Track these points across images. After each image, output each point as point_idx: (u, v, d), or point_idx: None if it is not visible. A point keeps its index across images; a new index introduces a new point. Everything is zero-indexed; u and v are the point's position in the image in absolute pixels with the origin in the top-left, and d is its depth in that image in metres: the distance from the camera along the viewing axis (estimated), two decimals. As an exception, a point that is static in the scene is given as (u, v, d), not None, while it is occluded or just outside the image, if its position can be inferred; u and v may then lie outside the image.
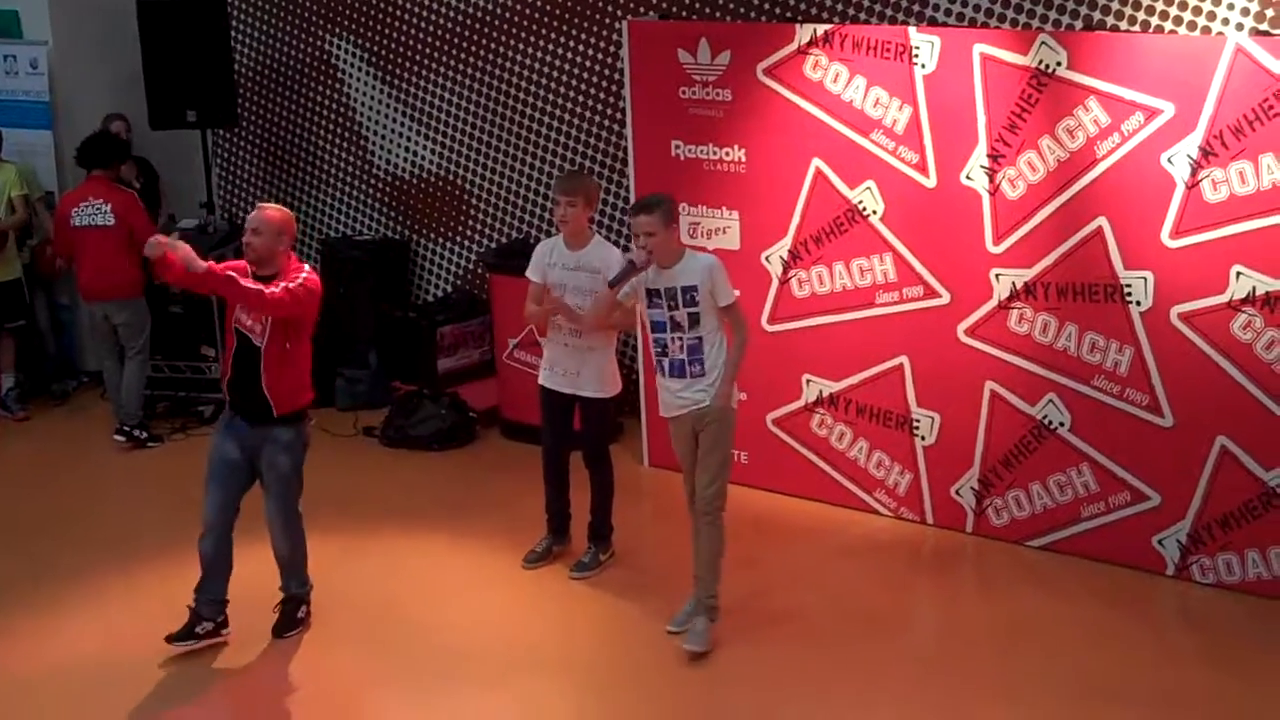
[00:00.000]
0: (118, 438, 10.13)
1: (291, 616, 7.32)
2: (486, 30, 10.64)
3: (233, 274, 6.79)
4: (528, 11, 10.40)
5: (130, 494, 9.39)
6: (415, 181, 11.36)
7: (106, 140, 10.20)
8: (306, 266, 7.08)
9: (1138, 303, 7.43)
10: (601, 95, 10.18)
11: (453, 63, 10.90)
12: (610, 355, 7.70)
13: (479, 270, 10.98)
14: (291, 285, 6.86)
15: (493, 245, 10.85)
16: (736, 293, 6.98)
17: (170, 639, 7.08)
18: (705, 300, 6.86)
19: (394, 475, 9.54)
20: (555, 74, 10.38)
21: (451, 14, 10.79)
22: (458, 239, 11.24)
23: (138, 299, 10.03)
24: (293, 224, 7.10)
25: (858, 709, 6.50)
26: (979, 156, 7.76)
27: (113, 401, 10.31)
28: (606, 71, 10.09)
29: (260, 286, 6.78)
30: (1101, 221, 7.47)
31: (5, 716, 6.64)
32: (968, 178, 7.82)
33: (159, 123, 10.91)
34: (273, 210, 7.05)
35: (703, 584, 7.07)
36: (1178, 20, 7.89)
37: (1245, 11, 7.74)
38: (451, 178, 11.15)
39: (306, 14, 11.56)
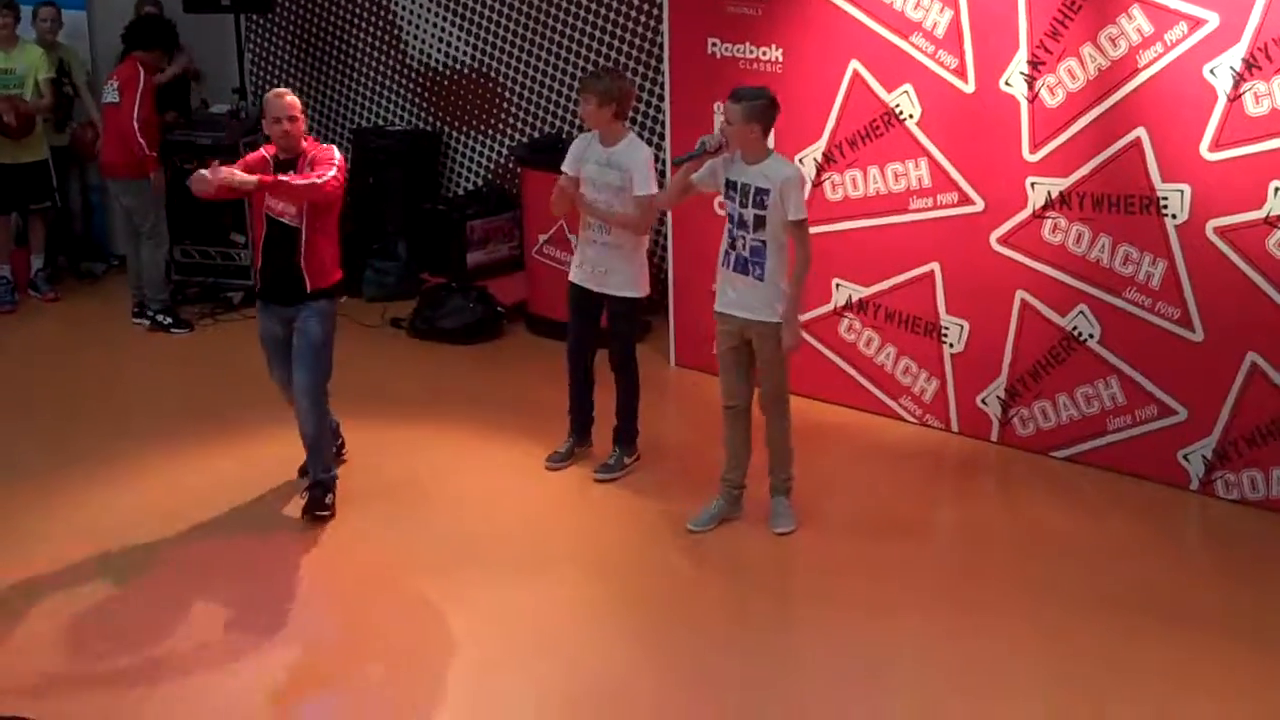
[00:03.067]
0: (136, 321, 10.17)
1: (320, 500, 7.38)
2: (524, -79, 10.55)
3: (282, 177, 6.97)
4: (567, -97, 10.30)
5: (152, 376, 9.45)
6: (448, 73, 11.30)
7: (142, 23, 10.17)
8: (326, 145, 7.23)
9: (1173, 215, 7.37)
10: (639, -10, 10.09)
11: (489, -47, 10.82)
12: (641, 256, 7.66)
13: (510, 164, 10.95)
14: (336, 169, 7.06)
15: (524, 140, 10.81)
16: (806, 213, 6.89)
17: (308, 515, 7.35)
18: (773, 207, 6.80)
19: (420, 367, 9.56)
20: (592, -32, 10.29)
21: (489, -96, 10.69)
22: (490, 132, 11.19)
23: (142, 179, 9.98)
24: None
25: (876, 613, 6.52)
26: (1019, 63, 7.67)
27: (130, 284, 10.34)
28: (644, -34, 9.99)
29: (313, 179, 6.97)
30: (1140, 132, 7.38)
31: (33, 585, 6.71)
32: (1007, 84, 7.74)
33: (193, 6, 10.88)
34: (291, 95, 7.17)
35: (777, 470, 7.22)
36: (1227, -71, 7.77)
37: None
38: (485, 70, 11.08)
39: (343, -100, 11.47)
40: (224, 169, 6.91)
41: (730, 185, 6.94)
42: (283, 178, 6.99)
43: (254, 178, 6.93)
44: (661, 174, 8.28)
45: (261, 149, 7.31)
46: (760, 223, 6.85)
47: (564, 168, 7.70)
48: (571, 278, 7.81)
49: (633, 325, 7.87)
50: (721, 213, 8.48)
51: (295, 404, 7.35)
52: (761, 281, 6.90)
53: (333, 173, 7.03)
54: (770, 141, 7.01)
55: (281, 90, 7.24)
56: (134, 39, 9.98)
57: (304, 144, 7.18)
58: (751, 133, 6.82)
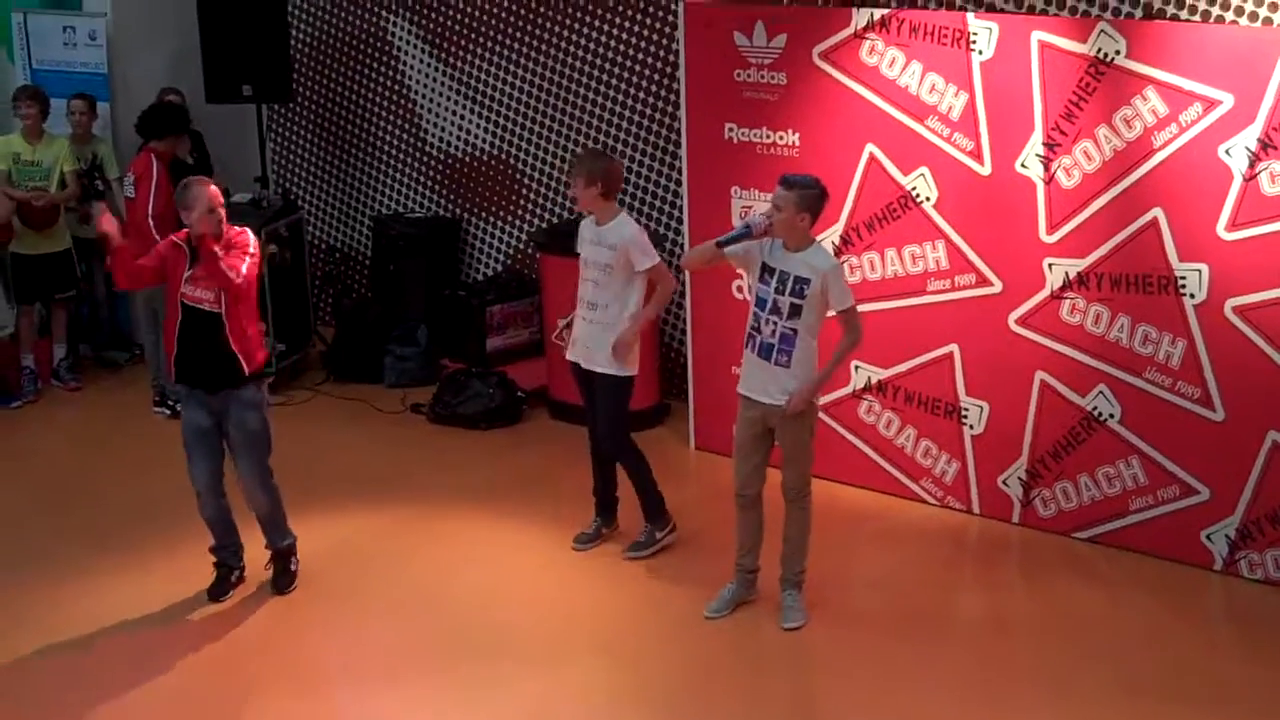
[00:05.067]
0: (157, 410, 10.21)
1: (286, 569, 7.56)
2: (542, 9, 10.63)
3: (218, 254, 7.02)
4: (584, -9, 10.41)
5: (174, 465, 9.41)
6: (468, 160, 11.37)
7: (154, 111, 10.21)
8: (240, 229, 7.29)
9: (1192, 295, 7.37)
10: (656, 77, 10.15)
11: (508, 41, 10.91)
12: (630, 332, 7.65)
13: (529, 250, 10.99)
14: (252, 259, 7.17)
15: (543, 225, 10.85)
16: (853, 299, 6.90)
17: (213, 596, 7.42)
18: (813, 298, 6.77)
19: (441, 453, 9.55)
20: (610, 54, 10.37)
21: (508, -7, 10.80)
22: (509, 218, 11.25)
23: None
24: None
25: (899, 699, 6.48)
26: (1034, 145, 7.70)
27: (150, 373, 10.38)
28: (661, 53, 10.06)
29: (228, 270, 7.02)
30: (1157, 212, 7.40)
31: (52, 676, 6.72)
32: (1023, 166, 7.77)
33: (215, 97, 10.96)
34: (213, 184, 7.20)
35: (791, 562, 7.15)
36: (1239, 10, 7.79)
37: (1308, 3, 7.66)
38: (504, 157, 11.16)
39: (363, -9, 11.60)
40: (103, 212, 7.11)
41: (767, 270, 6.89)
42: (218, 254, 7.00)
43: (112, 228, 7.07)
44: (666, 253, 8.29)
45: (172, 236, 7.32)
46: (796, 311, 6.81)
47: (578, 248, 7.84)
48: (567, 355, 7.89)
49: (619, 402, 7.77)
50: (740, 296, 8.53)
51: (244, 488, 7.39)
52: (787, 369, 6.86)
53: (244, 267, 7.09)
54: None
55: (201, 178, 7.26)
56: (146, 128, 10.04)
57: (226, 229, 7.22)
58: (801, 221, 6.79)
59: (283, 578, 7.56)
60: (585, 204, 7.62)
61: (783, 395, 6.87)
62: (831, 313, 6.86)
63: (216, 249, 7.01)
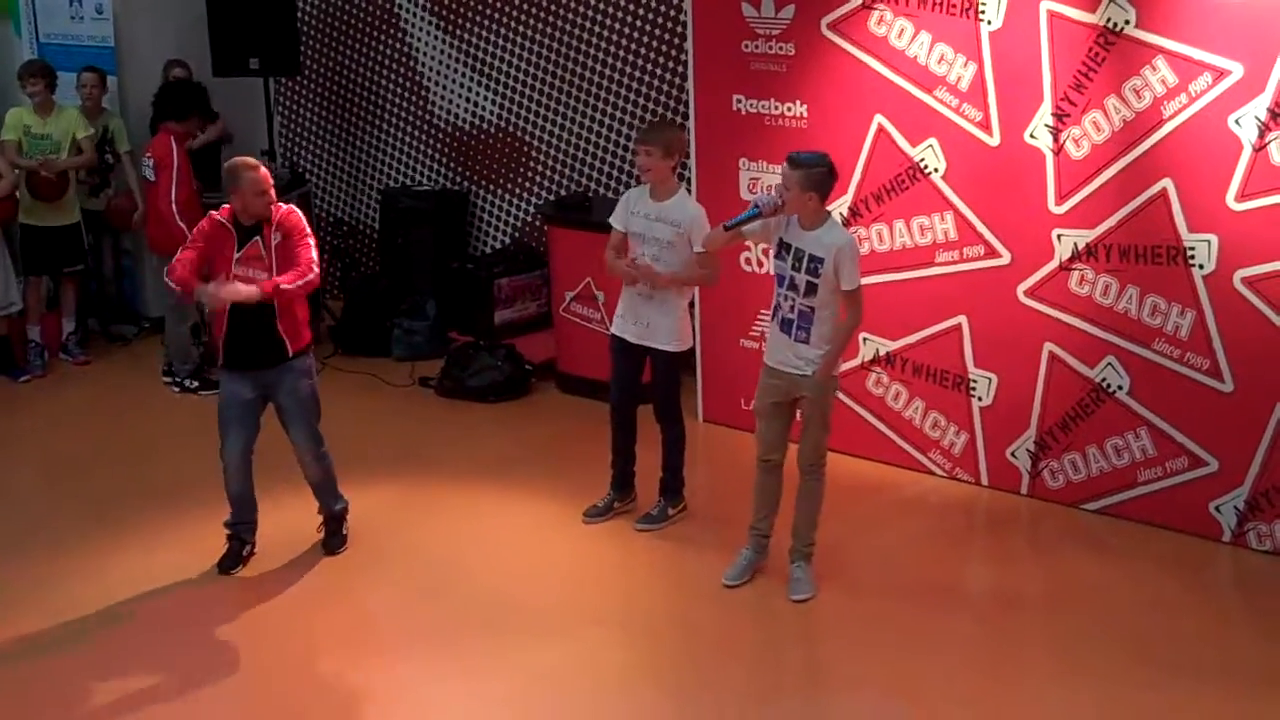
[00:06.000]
0: (165, 379, 10.23)
1: (339, 532, 7.65)
2: (549, -19, 10.63)
3: (283, 285, 7.03)
4: (591, -37, 10.38)
5: (182, 439, 9.47)
6: (475, 132, 11.36)
7: (173, 89, 10.20)
8: (287, 207, 7.26)
9: (1201, 266, 7.35)
10: (663, 48, 10.13)
11: (515, 13, 10.89)
12: (684, 308, 7.65)
13: (537, 222, 10.99)
14: (315, 249, 7.21)
15: (552, 198, 10.84)
16: (860, 281, 6.89)
17: (223, 569, 7.44)
18: (826, 275, 6.77)
19: (449, 426, 9.56)
20: (617, 26, 10.35)
21: (515, -35, 10.78)
22: (517, 191, 11.24)
23: (167, 257, 9.99)
24: None
25: (910, 670, 6.48)
26: (1043, 115, 7.68)
27: (166, 346, 10.39)
28: (669, 24, 10.04)
29: (307, 277, 7.10)
30: (1166, 183, 7.38)
31: (59, 653, 6.73)
32: (1031, 136, 7.75)
33: (222, 69, 10.95)
34: (263, 168, 7.19)
35: (801, 534, 7.15)
36: (1249, -20, 7.77)
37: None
38: (512, 129, 11.14)
39: (370, -37, 11.57)
40: (227, 286, 7.02)
41: (783, 246, 6.90)
42: (283, 285, 7.02)
43: (255, 289, 6.98)
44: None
45: (213, 214, 7.22)
46: (811, 289, 6.82)
47: (613, 221, 7.72)
48: (614, 330, 7.80)
49: (675, 377, 7.81)
50: (748, 269, 8.53)
51: (299, 455, 7.44)
52: (807, 344, 6.89)
53: (314, 254, 7.17)
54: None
55: (250, 161, 7.22)
56: (165, 107, 10.00)
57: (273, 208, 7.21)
58: (810, 200, 6.78)
59: (334, 538, 7.64)
60: (658, 176, 7.47)
61: (809, 365, 6.89)
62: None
63: (283, 283, 7.03)
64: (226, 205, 7.17)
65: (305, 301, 7.34)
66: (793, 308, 6.89)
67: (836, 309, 6.86)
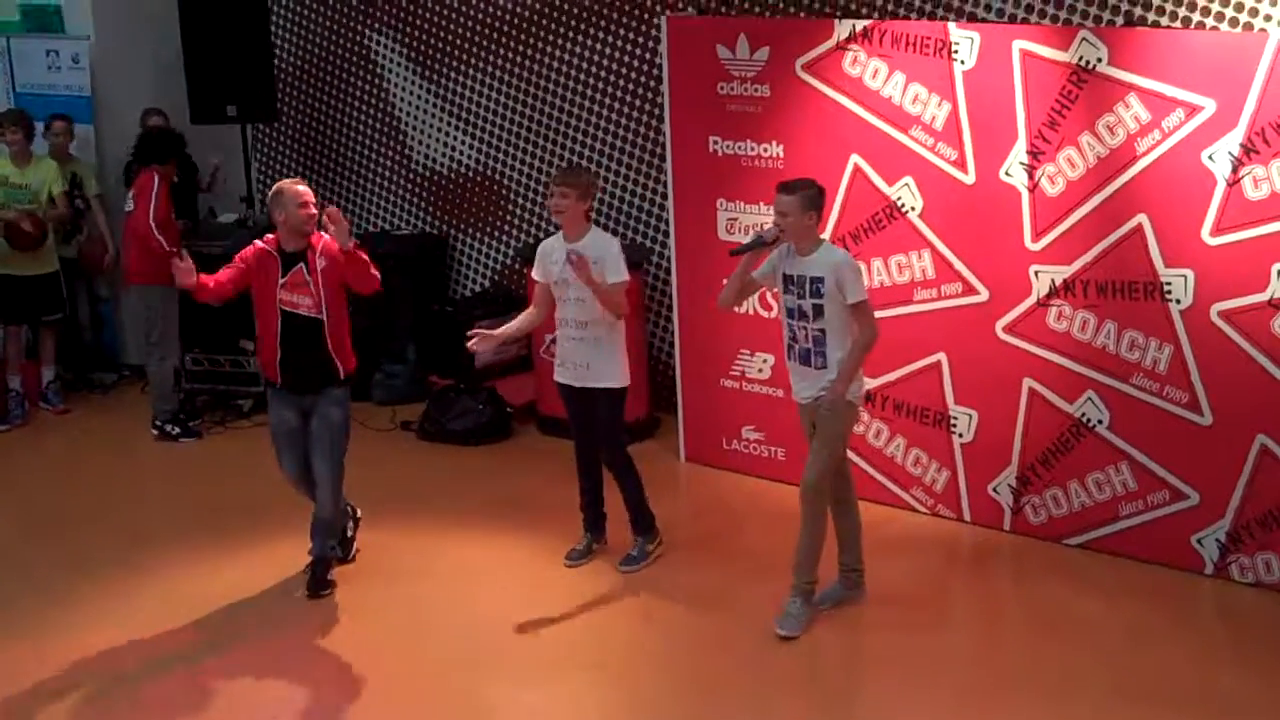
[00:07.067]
0: (151, 430, 10.21)
1: (323, 579, 7.62)
2: (525, 26, 10.66)
3: (360, 257, 7.28)
4: (567, 7, 10.41)
5: (162, 488, 9.46)
6: (454, 177, 11.39)
7: (152, 138, 10.25)
8: (328, 236, 7.39)
9: (1177, 300, 7.39)
10: (640, 91, 10.18)
11: (492, 58, 10.93)
12: (619, 346, 7.68)
13: (516, 265, 11.00)
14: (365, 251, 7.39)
15: (531, 240, 10.86)
16: (866, 294, 6.94)
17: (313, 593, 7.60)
18: (830, 294, 6.85)
19: (431, 470, 9.56)
20: (594, 70, 10.39)
21: (491, 9, 10.81)
22: (496, 234, 11.26)
23: (145, 286, 10.06)
24: None
25: (896, 708, 6.48)
26: (1018, 153, 7.73)
27: (153, 398, 10.38)
28: (645, 67, 10.09)
29: (375, 274, 7.39)
30: (1141, 219, 7.43)
31: (37, 707, 6.68)
32: (1007, 174, 7.80)
33: (199, 117, 10.97)
34: (301, 182, 7.44)
35: (799, 569, 7.14)
36: (1219, 16, 7.83)
37: (1288, 8, 7.69)
38: (490, 173, 11.17)
39: (346, 9, 11.60)
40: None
41: (788, 280, 7.00)
42: (361, 254, 7.28)
43: (346, 228, 7.18)
44: (630, 266, 8.26)
45: (256, 243, 7.46)
46: (819, 312, 6.89)
47: (533, 274, 7.83)
48: (556, 378, 7.84)
49: (617, 414, 7.81)
50: (744, 311, 8.58)
51: (316, 489, 7.48)
52: (825, 369, 6.95)
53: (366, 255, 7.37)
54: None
55: (292, 180, 7.44)
56: (147, 154, 10.08)
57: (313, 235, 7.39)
58: (809, 220, 6.90)
59: (320, 585, 7.62)
60: (572, 217, 7.55)
61: (822, 388, 6.96)
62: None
63: (362, 254, 7.26)
64: (271, 236, 7.41)
65: (348, 327, 7.51)
66: (807, 336, 6.97)
67: (847, 327, 6.91)
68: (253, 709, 6.66)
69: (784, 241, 6.96)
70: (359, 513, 8.11)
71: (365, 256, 7.30)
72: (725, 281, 7.28)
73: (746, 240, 7.09)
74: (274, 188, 7.44)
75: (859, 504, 7.39)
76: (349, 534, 8.01)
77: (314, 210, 7.32)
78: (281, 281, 7.32)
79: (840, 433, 7.07)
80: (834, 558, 7.33)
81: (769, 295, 8.36)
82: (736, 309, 8.18)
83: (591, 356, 7.62)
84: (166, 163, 10.06)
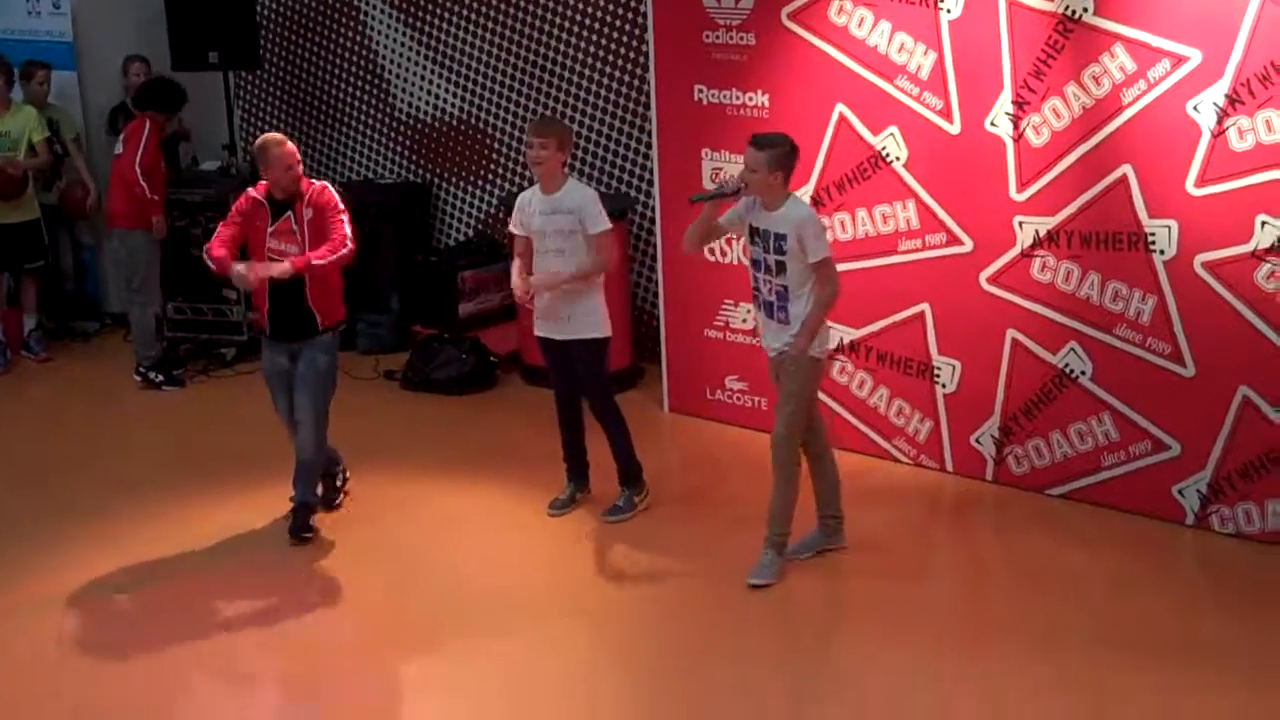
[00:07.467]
0: (135, 377, 10.20)
1: (305, 522, 7.64)
2: (509, -27, 10.61)
3: (314, 260, 7.27)
4: (551, -46, 10.37)
5: (146, 435, 9.45)
6: (437, 125, 11.35)
7: (157, 85, 10.28)
8: (319, 183, 7.51)
9: (1161, 251, 7.39)
10: (624, 39, 10.14)
11: (476, 5, 10.87)
12: (598, 297, 7.66)
13: (501, 215, 10.98)
14: (348, 223, 7.42)
15: (515, 190, 10.82)
16: (828, 252, 6.92)
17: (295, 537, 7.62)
18: (793, 251, 6.83)
19: (414, 419, 9.56)
20: (578, 17, 10.34)
21: (474, -44, 10.76)
22: (480, 183, 11.23)
23: (127, 230, 10.07)
24: None
25: (875, 654, 6.51)
26: (1003, 103, 7.71)
27: (136, 345, 10.36)
28: (630, 15, 10.05)
29: (340, 252, 7.34)
30: (1126, 169, 7.42)
31: (26, 650, 6.70)
32: (992, 124, 7.78)
33: (181, 64, 10.91)
34: (289, 143, 7.43)
35: (773, 522, 7.13)
36: (1206, -34, 7.81)
37: (1275, -42, 7.66)
38: (474, 122, 11.13)
39: (329, -44, 11.54)
40: (259, 265, 7.27)
41: (754, 231, 6.99)
42: (314, 260, 7.26)
43: (286, 265, 7.22)
44: (613, 216, 8.26)
45: (249, 191, 7.51)
46: (781, 268, 6.88)
47: (511, 228, 7.79)
48: (536, 331, 7.83)
49: (601, 364, 7.80)
50: (712, 258, 8.56)
51: (297, 429, 7.52)
52: (786, 325, 6.95)
53: (348, 230, 7.36)
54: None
55: (278, 138, 7.42)
56: (152, 98, 10.11)
57: (302, 185, 7.39)
58: (774, 179, 6.85)
59: (302, 528, 7.63)
60: (550, 168, 7.50)
61: (785, 343, 6.97)
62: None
63: (314, 259, 7.26)
64: (263, 183, 7.44)
65: (341, 277, 7.54)
66: (771, 289, 6.96)
67: (809, 284, 6.90)
68: (238, 651, 6.68)
69: (746, 195, 6.95)
70: (348, 472, 8.11)
71: (321, 260, 7.28)
72: (689, 226, 7.27)
73: (710, 189, 7.05)
74: (259, 142, 7.44)
75: (835, 454, 7.39)
76: (338, 483, 8.01)
77: (300, 172, 7.37)
78: (270, 229, 7.36)
79: (804, 387, 7.04)
80: (813, 510, 7.34)
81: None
82: (708, 255, 8.18)
83: (571, 308, 7.61)
84: (164, 111, 10.08)
